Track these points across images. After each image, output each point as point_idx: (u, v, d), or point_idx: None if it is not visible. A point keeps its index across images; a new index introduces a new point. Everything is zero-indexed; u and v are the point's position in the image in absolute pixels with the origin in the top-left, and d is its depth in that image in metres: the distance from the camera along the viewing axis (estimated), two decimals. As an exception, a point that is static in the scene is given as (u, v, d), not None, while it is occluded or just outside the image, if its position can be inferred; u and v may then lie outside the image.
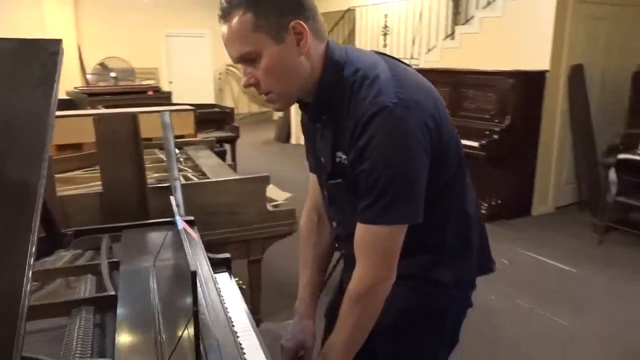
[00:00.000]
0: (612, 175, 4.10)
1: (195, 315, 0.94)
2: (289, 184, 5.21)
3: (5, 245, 0.81)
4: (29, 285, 0.80)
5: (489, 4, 5.35)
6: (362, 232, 1.04)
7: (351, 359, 1.11)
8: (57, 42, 1.28)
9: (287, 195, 4.69)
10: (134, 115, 2.08)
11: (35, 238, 0.87)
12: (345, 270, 1.35)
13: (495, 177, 4.50)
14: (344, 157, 1.05)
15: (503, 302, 3.11)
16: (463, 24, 5.73)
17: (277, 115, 10.67)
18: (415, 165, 0.98)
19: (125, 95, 7.51)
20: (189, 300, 0.99)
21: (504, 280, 3.33)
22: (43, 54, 1.22)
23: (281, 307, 2.92)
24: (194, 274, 0.94)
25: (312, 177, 1.34)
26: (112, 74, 9.02)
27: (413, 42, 6.85)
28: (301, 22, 0.97)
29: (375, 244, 1.03)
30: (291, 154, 7.83)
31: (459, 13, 6.60)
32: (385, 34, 7.31)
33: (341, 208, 1.16)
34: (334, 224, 1.23)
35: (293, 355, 1.22)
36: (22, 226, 0.85)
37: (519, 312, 3.03)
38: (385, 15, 7.39)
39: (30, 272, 0.82)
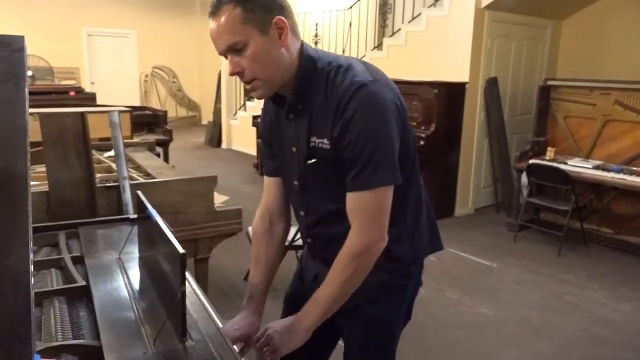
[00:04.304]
0: (524, 179, 4.54)
1: (183, 295, 1.02)
2: (223, 188, 5.25)
3: (9, 228, 0.85)
4: (32, 266, 0.85)
5: (414, 18, 5.70)
6: (353, 199, 1.15)
7: (333, 312, 1.20)
8: (21, 39, 1.30)
9: (225, 198, 4.74)
10: (82, 114, 2.08)
11: (31, 222, 0.92)
12: (307, 260, 1.44)
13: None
14: (319, 141, 1.17)
15: (433, 294, 3.36)
16: (390, 37, 6.04)
17: (206, 119, 10.57)
18: (392, 133, 1.12)
19: (44, 96, 7.14)
20: (174, 282, 1.07)
21: (433, 275, 3.59)
22: (7, 51, 1.23)
23: (225, 304, 2.98)
24: (183, 256, 1.02)
25: (267, 182, 1.43)
26: (29, 73, 8.52)
27: (343, 52, 7.11)
28: (282, 18, 1.11)
29: (367, 208, 1.14)
30: (223, 159, 7.82)
31: (386, 26, 6.95)
32: (316, 43, 7.52)
33: (313, 193, 1.26)
34: (302, 213, 1.33)
35: (235, 342, 1.25)
36: (20, 212, 0.89)
37: (448, 303, 3.29)
38: (317, 25, 7.61)
39: (32, 254, 0.87)
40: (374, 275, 1.21)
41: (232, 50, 1.10)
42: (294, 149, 1.24)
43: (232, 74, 1.13)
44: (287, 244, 1.53)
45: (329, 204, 1.21)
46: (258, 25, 1.08)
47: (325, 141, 1.16)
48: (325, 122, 1.15)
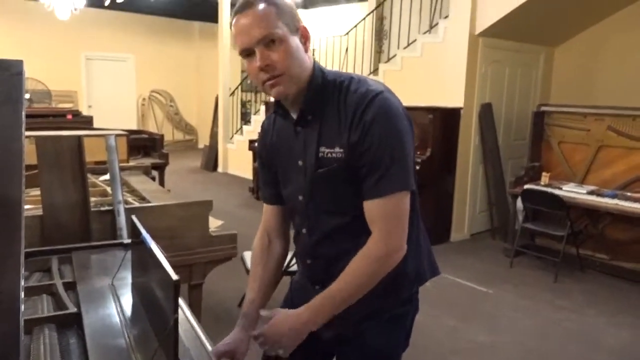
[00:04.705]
0: (519, 204, 4.54)
1: (175, 322, 1.00)
2: (219, 213, 5.22)
3: (3, 252, 0.84)
4: (22, 290, 0.84)
5: (409, 44, 5.78)
6: (373, 206, 1.16)
7: (338, 312, 1.17)
8: (19, 63, 1.30)
9: (219, 222, 4.71)
10: (79, 137, 2.08)
11: (23, 247, 0.91)
12: (303, 285, 1.40)
13: (418, 205, 4.80)
14: (328, 150, 1.18)
15: (428, 320, 3.32)
16: (386, 62, 6.13)
17: (203, 143, 10.60)
18: (407, 140, 1.16)
19: (41, 119, 7.17)
20: (166, 308, 1.05)
21: (429, 302, 3.55)
22: (5, 75, 1.24)
23: (219, 330, 2.93)
24: (176, 282, 1.01)
25: (265, 207, 1.44)
26: (26, 96, 8.55)
27: (339, 77, 7.19)
28: (306, 27, 1.18)
29: (388, 214, 1.15)
30: (219, 182, 7.81)
31: (382, 51, 7.05)
32: (312, 68, 7.62)
33: (318, 208, 1.25)
34: (304, 231, 1.31)
35: (220, 356, 1.24)
36: (13, 235, 0.88)
37: (444, 330, 3.25)
38: (313, 50, 7.71)
39: (22, 280, 0.86)
40: (381, 289, 1.19)
41: (264, 41, 1.11)
42: (300, 162, 1.24)
43: (261, 68, 1.12)
44: (282, 268, 1.52)
45: (333, 218, 1.22)
46: (290, 24, 1.13)
47: (337, 149, 1.17)
48: (337, 131, 1.16)
